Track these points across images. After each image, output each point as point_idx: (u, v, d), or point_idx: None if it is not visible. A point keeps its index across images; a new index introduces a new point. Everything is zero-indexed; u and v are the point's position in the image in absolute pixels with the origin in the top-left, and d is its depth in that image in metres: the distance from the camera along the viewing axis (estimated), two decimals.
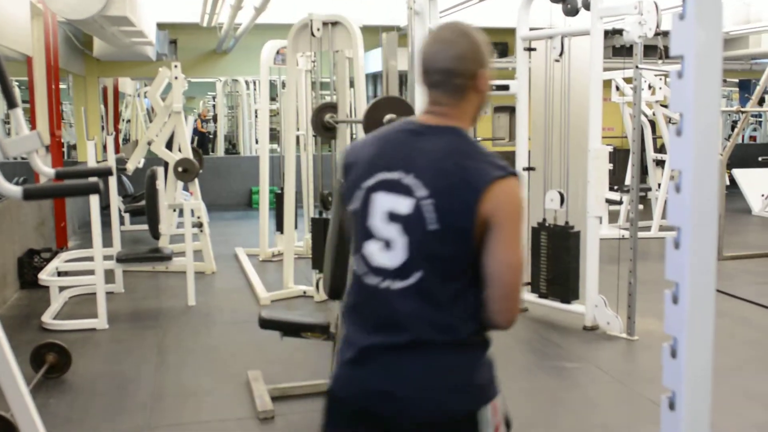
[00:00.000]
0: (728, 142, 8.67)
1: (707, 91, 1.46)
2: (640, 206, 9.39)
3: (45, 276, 6.15)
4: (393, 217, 1.78)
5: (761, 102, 16.26)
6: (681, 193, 1.47)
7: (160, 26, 10.92)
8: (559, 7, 5.66)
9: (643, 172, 10.16)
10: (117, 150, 12.49)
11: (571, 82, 5.61)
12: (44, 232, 8.04)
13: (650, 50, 9.70)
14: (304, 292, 6.73)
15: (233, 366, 4.95)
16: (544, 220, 5.90)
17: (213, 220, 10.61)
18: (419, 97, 4.84)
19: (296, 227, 8.03)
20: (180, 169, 7.60)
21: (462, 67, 1.78)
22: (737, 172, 11.94)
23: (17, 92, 12.16)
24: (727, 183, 10.06)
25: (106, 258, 6.15)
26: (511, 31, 6.00)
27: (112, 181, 6.62)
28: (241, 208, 12.86)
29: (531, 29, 5.91)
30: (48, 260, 6.87)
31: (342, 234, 4.24)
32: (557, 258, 5.82)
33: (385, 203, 1.79)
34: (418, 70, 1.85)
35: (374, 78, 12.53)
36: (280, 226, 8.18)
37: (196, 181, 7.91)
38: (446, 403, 1.78)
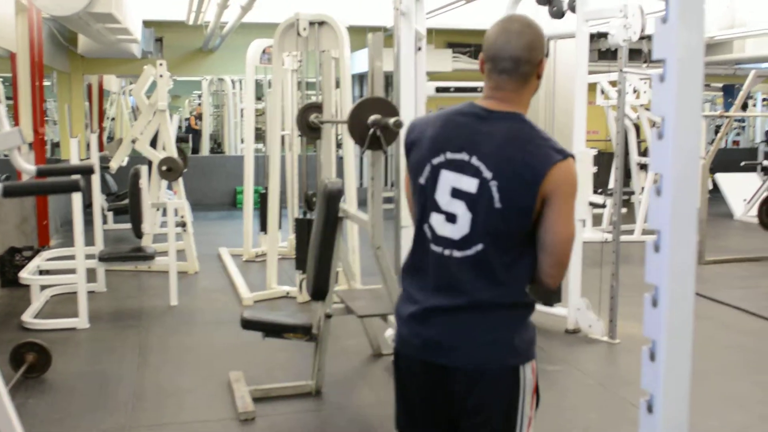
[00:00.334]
0: (711, 146, 8.72)
1: (689, 95, 1.46)
2: (624, 210, 9.44)
3: (26, 274, 6.10)
4: (457, 193, 1.96)
5: (744, 107, 16.39)
6: (662, 196, 1.47)
7: (146, 24, 10.86)
8: (545, 9, 5.66)
9: (627, 175, 10.21)
10: (101, 148, 12.41)
11: (556, 85, 5.63)
12: (26, 230, 7.98)
13: (635, 54, 9.74)
14: (288, 293, 6.71)
15: (215, 366, 4.93)
16: None
17: (197, 220, 10.57)
18: (405, 98, 4.84)
19: (280, 227, 8.01)
20: (164, 167, 7.56)
21: (530, 55, 1.96)
22: (720, 177, 12.01)
23: (0, 89, 12.08)
24: (710, 187, 10.12)
25: (88, 257, 6.11)
26: None
27: (95, 179, 6.57)
28: (226, 208, 12.82)
29: None
30: (29, 258, 6.81)
31: (326, 235, 4.24)
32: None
33: (451, 181, 1.97)
34: (485, 58, 2.01)
35: (361, 78, 12.52)
36: (264, 227, 8.15)
37: (180, 180, 7.87)
38: (493, 356, 2.01)
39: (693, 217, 1.46)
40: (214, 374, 4.78)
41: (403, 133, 2.62)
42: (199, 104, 19.13)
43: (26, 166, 2.79)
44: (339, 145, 8.50)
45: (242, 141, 12.92)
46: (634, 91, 9.43)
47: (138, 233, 6.60)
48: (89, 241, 6.39)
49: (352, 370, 4.94)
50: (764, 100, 17.58)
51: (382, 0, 4.81)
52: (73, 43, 11.00)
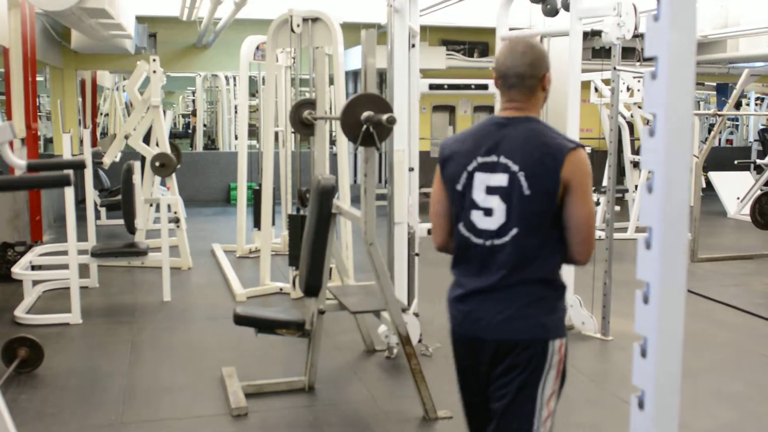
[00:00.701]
0: (705, 145, 8.74)
1: (680, 93, 1.46)
2: (617, 207, 9.47)
3: (18, 270, 6.09)
4: (491, 190, 2.30)
5: (738, 106, 16.43)
6: (653, 193, 1.48)
7: (140, 19, 10.83)
8: (538, 7, 5.67)
9: (621, 173, 10.23)
10: (94, 143, 12.39)
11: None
12: (19, 225, 7.96)
13: (629, 52, 9.75)
14: (281, 289, 6.71)
15: (207, 362, 4.93)
16: None
17: (191, 216, 10.56)
18: (398, 95, 4.84)
19: (274, 224, 8.01)
20: (157, 163, 7.55)
21: (533, 71, 2.32)
22: (713, 175, 12.04)
23: None
24: (704, 186, 10.15)
25: (81, 252, 6.10)
26: (492, 31, 6.00)
27: (88, 174, 6.56)
28: (220, 204, 12.81)
29: (511, 29, 5.92)
30: (22, 254, 6.80)
31: (319, 231, 4.24)
32: None
33: (484, 180, 2.31)
34: (497, 76, 2.38)
35: (355, 75, 12.52)
36: (257, 223, 8.15)
37: (174, 176, 7.86)
38: (523, 330, 2.29)
39: (684, 215, 1.47)
40: (206, 370, 4.78)
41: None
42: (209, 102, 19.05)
43: (16, 160, 2.78)
44: (333, 142, 8.50)
45: (236, 137, 12.91)
46: (628, 89, 9.45)
47: (131, 229, 6.59)
48: (82, 236, 6.37)
49: (345, 366, 4.94)
50: (758, 99, 17.61)
51: None
52: (66, 38, 10.96)
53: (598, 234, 7.44)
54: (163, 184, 9.18)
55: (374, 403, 4.33)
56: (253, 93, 13.32)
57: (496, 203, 2.29)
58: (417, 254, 5.59)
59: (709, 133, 10.26)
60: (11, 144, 2.74)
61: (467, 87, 6.03)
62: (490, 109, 9.92)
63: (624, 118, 9.63)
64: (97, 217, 9.49)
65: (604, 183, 9.11)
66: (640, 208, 1.48)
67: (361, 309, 4.38)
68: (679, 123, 1.44)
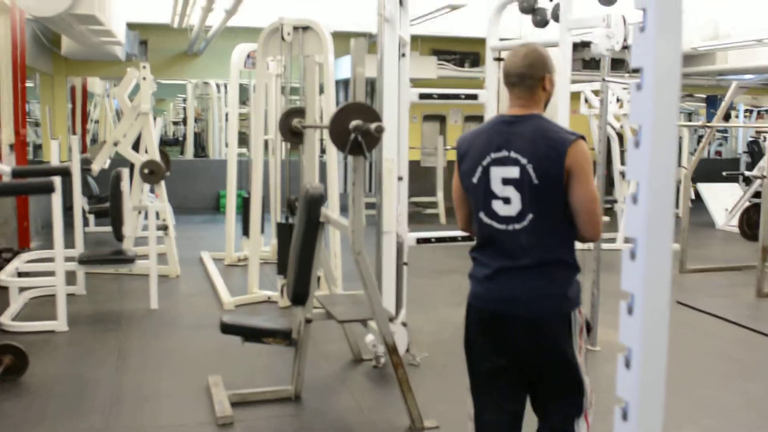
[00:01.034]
0: (694, 156, 8.77)
1: (666, 104, 1.46)
2: (606, 218, 9.48)
3: (5, 276, 6.05)
4: (506, 181, 2.57)
5: (727, 118, 16.52)
6: (638, 204, 1.47)
7: (131, 26, 10.80)
8: (529, 18, 5.69)
9: (610, 184, 10.26)
10: (84, 150, 12.35)
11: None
12: (6, 231, 7.91)
13: (618, 63, 9.80)
14: (269, 298, 6.68)
15: (194, 371, 4.90)
16: None
17: (180, 224, 10.53)
18: (387, 104, 4.84)
19: (263, 232, 8.00)
20: (146, 171, 7.52)
21: (531, 72, 2.59)
22: (702, 187, 12.09)
23: None
24: (692, 197, 10.18)
25: (68, 259, 6.06)
26: (483, 42, 6.02)
27: (76, 181, 6.52)
28: (209, 212, 12.78)
29: (501, 39, 5.94)
30: (9, 260, 6.75)
31: (306, 240, 4.23)
32: None
33: (499, 173, 2.58)
34: (503, 76, 2.66)
35: (345, 84, 12.52)
36: (246, 231, 8.12)
37: (163, 183, 7.83)
38: (550, 307, 2.59)
39: (669, 225, 1.47)
40: (192, 378, 4.75)
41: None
42: (197, 107, 19.01)
43: (1, 166, 2.76)
44: (323, 151, 8.49)
45: (226, 145, 12.88)
46: (617, 100, 9.48)
47: (119, 236, 6.56)
48: (70, 243, 6.34)
49: (332, 375, 4.92)
50: (746, 111, 17.71)
51: (367, 6, 4.81)
52: (57, 44, 10.92)
53: (586, 245, 7.46)
54: (152, 191, 9.15)
55: (361, 413, 4.32)
56: (243, 101, 13.30)
57: (512, 193, 2.57)
58: (406, 263, 5.57)
59: (699, 144, 10.30)
60: None
61: (457, 97, 6.03)
62: (480, 119, 9.89)
63: (613, 129, 9.66)
64: (86, 224, 9.45)
65: None
66: (626, 220, 1.48)
67: (348, 318, 4.37)
68: (664, 134, 1.44)
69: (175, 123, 23.59)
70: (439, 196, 12.05)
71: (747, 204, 9.75)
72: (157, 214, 7.12)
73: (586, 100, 9.70)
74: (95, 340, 5.59)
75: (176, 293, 7.10)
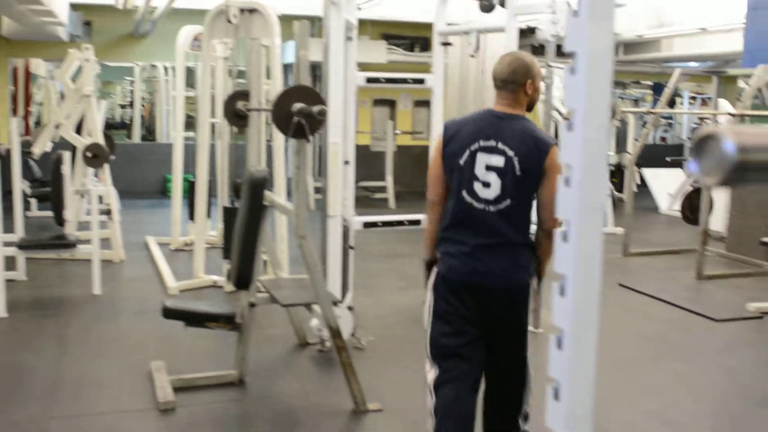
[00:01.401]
0: (638, 142, 8.91)
1: (598, 88, 1.47)
2: None
3: None
4: (490, 168, 2.93)
5: (672, 104, 16.81)
6: (570, 187, 1.48)
7: (74, 6, 10.54)
8: (475, 3, 5.70)
9: None
10: (27, 132, 12.06)
11: (485, 77, 5.66)
12: None
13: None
14: (215, 282, 6.62)
15: (136, 357, 4.83)
16: None
17: (126, 208, 10.36)
18: (333, 88, 4.82)
19: (210, 216, 7.90)
20: (89, 154, 7.37)
21: (513, 77, 2.99)
22: (647, 172, 12.30)
23: None
24: (638, 182, 10.35)
25: (8, 244, 5.92)
26: (432, 26, 6.02)
27: (16, 164, 6.37)
28: (156, 196, 12.58)
29: (448, 24, 5.95)
30: None
31: (250, 224, 4.19)
32: None
33: (485, 159, 2.94)
34: (492, 78, 3.05)
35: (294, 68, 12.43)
36: (192, 215, 8.03)
37: (107, 167, 7.69)
38: (515, 276, 2.99)
39: (600, 208, 1.48)
40: (135, 364, 4.69)
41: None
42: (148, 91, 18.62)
43: None
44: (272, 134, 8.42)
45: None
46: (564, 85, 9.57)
47: (60, 220, 6.43)
48: (9, 227, 6.19)
49: (276, 359, 4.91)
50: (691, 97, 18.05)
51: None
52: None
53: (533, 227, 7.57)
54: (96, 175, 8.97)
55: (305, 397, 4.31)
56: (191, 84, 13.11)
57: (493, 178, 2.92)
58: (352, 247, 5.57)
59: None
60: None
61: (404, 81, 6.02)
62: (429, 104, 9.92)
63: (560, 114, 9.75)
64: (27, 208, 9.24)
65: None
66: (558, 202, 1.49)
67: (291, 302, 4.35)
68: (596, 118, 1.45)
69: (123, 106, 23.17)
70: (389, 181, 12.05)
71: (689, 189, 9.94)
72: (101, 198, 6.99)
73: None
74: (35, 326, 5.47)
75: (120, 278, 6.99)
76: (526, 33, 6.32)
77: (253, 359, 4.52)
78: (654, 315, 6.18)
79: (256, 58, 5.50)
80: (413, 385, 4.57)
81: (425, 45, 12.72)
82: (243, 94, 5.88)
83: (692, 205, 8.95)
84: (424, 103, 12.98)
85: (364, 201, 11.72)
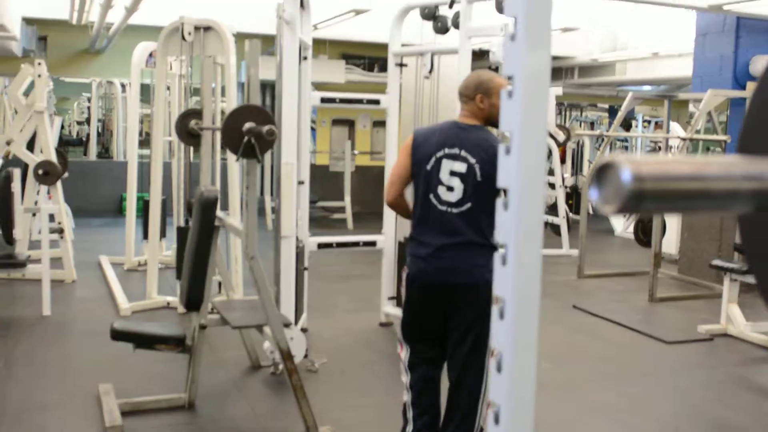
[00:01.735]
0: (592, 164, 9.02)
1: (535, 112, 1.48)
2: None
3: None
4: (453, 173, 3.24)
5: (629, 127, 17.09)
6: (508, 210, 1.49)
7: (28, 21, 10.44)
8: (430, 24, 5.75)
9: None
10: None
11: (440, 98, 5.70)
12: None
13: None
14: (168, 303, 6.53)
15: (85, 379, 4.74)
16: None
17: (80, 227, 10.20)
18: (287, 107, 4.80)
19: (164, 236, 7.82)
20: (40, 171, 7.25)
21: (465, 91, 3.36)
22: None
23: None
24: (593, 204, 10.44)
25: None
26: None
27: None
28: (111, 215, 12.42)
29: (403, 45, 5.98)
30: None
31: (201, 244, 4.15)
32: None
33: (449, 165, 3.25)
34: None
35: None
36: (147, 234, 7.92)
37: (59, 185, 7.56)
38: (478, 274, 3.18)
39: (538, 231, 1.48)
40: (83, 387, 4.59)
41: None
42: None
43: None
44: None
45: None
46: None
47: (9, 239, 6.30)
48: None
49: (228, 382, 4.84)
50: (645, 121, 18.36)
51: (272, 8, 4.76)
52: None
53: None
54: (49, 193, 8.82)
55: (255, 420, 4.26)
56: (147, 101, 13.00)
57: (456, 183, 3.23)
58: (306, 268, 5.55)
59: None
60: None
61: (360, 101, 6.04)
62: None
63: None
64: None
65: None
66: (497, 226, 1.49)
67: (242, 324, 4.30)
68: (533, 141, 1.45)
69: (80, 123, 22.88)
70: (347, 201, 12.04)
71: None
72: (52, 216, 6.87)
73: None
74: None
75: (71, 299, 6.86)
76: (480, 55, 6.37)
77: (204, 382, 4.45)
78: (606, 337, 6.23)
79: (207, 75, 5.46)
80: (366, 407, 4.56)
81: (384, 65, 12.75)
82: (196, 113, 5.84)
83: (645, 228, 9.08)
84: (383, 124, 13.02)
85: (323, 221, 11.70)
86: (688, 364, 5.69)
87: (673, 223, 8.95)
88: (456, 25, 5.44)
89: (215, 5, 9.13)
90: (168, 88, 7.76)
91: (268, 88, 11.73)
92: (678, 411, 4.80)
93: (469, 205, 3.22)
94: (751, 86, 7.93)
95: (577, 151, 13.23)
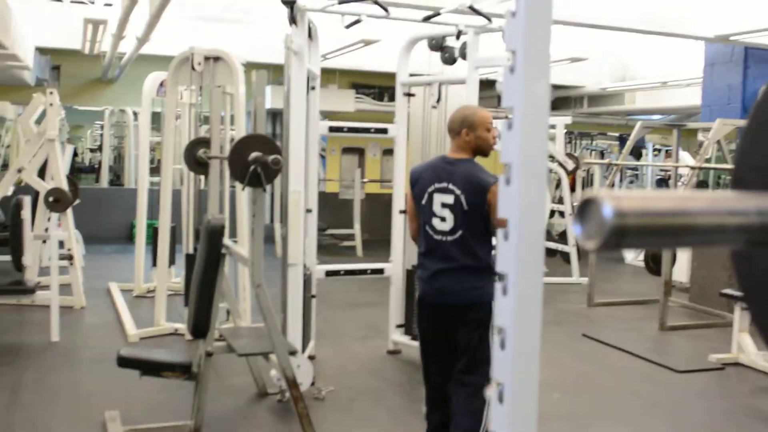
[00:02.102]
0: None
1: (534, 142, 1.49)
2: None
3: None
4: (444, 205, 3.52)
5: (639, 156, 17.07)
6: (509, 241, 1.49)
7: (42, 51, 10.56)
8: (437, 55, 5.79)
9: None
10: None
11: (447, 128, 5.72)
12: None
13: None
14: (176, 330, 6.54)
15: (92, 406, 4.73)
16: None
17: (91, 254, 10.25)
18: (294, 137, 4.84)
19: (174, 263, 7.84)
20: (51, 199, 7.30)
21: (452, 126, 3.63)
22: None
23: None
24: None
25: None
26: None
27: None
28: (121, 242, 12.48)
29: (411, 75, 6.02)
30: None
31: (207, 272, 4.16)
32: None
33: (439, 199, 3.54)
34: None
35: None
36: (156, 261, 7.94)
37: (70, 212, 7.61)
38: (474, 295, 3.49)
39: (539, 261, 1.49)
40: (89, 414, 4.59)
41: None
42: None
43: None
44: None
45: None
46: None
47: (18, 266, 6.34)
48: None
49: (235, 409, 4.83)
50: (655, 149, 18.36)
51: (281, 39, 4.82)
52: None
53: None
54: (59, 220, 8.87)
55: None
56: (158, 129, 13.11)
57: (447, 214, 3.51)
58: (314, 296, 5.55)
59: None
60: None
61: (367, 130, 6.08)
62: None
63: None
64: None
65: None
66: (497, 256, 1.50)
67: (248, 351, 4.31)
68: (533, 172, 1.46)
69: (92, 150, 23.03)
70: (357, 228, 12.04)
71: None
72: (62, 243, 6.91)
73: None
74: None
75: (80, 325, 6.88)
76: (487, 85, 6.41)
77: (210, 409, 4.44)
78: (616, 366, 6.19)
79: (216, 104, 5.51)
80: None
81: (394, 95, 12.86)
82: (204, 141, 5.89)
83: (655, 256, 9.04)
84: (393, 152, 13.08)
85: (332, 249, 11.71)
86: (699, 394, 5.64)
87: (684, 251, 8.90)
88: (463, 56, 5.48)
89: (225, 36, 9.25)
90: (178, 117, 7.83)
91: (279, 117, 11.82)
92: None
93: (460, 232, 3.49)
94: None
95: (587, 179, 13.23)
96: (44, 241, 7.93)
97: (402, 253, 5.98)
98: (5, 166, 15.11)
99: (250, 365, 5.02)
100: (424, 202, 3.60)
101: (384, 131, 5.86)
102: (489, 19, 5.41)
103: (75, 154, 15.62)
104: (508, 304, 1.50)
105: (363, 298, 8.07)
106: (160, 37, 8.35)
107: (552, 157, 9.48)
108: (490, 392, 3.25)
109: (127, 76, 11.52)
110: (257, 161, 3.51)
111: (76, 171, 16.64)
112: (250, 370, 5.05)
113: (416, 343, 6.05)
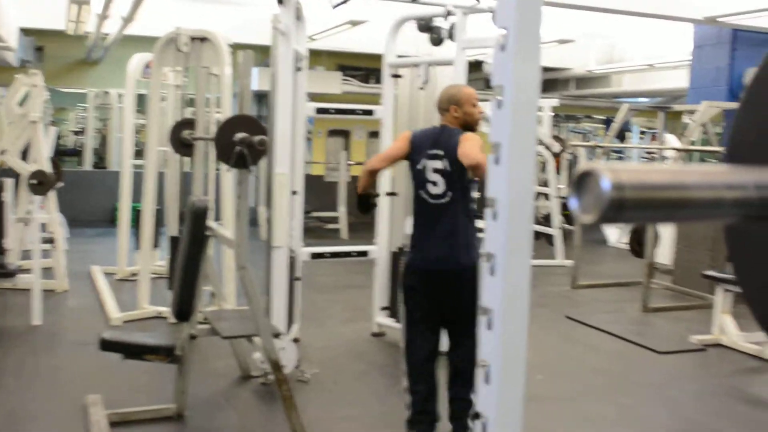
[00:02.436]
0: None
1: (524, 122, 1.47)
2: None
3: None
4: (436, 170, 3.70)
5: (623, 138, 17.10)
6: (497, 220, 1.47)
7: (26, 31, 10.42)
8: (426, 36, 5.74)
9: None
10: None
11: (434, 109, 5.69)
12: None
13: None
14: (160, 313, 6.49)
15: (73, 390, 4.69)
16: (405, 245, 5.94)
17: (74, 236, 10.15)
18: (281, 118, 4.79)
19: (157, 246, 7.78)
20: (34, 181, 7.21)
21: (440, 104, 3.86)
22: None
23: None
24: None
25: None
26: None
27: None
28: (105, 225, 12.37)
29: (399, 56, 5.98)
30: None
31: (191, 254, 4.12)
32: None
33: (432, 164, 3.71)
34: None
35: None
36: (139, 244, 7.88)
37: (52, 194, 7.53)
38: (465, 259, 3.67)
39: (527, 241, 1.48)
40: (71, 398, 4.55)
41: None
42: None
43: None
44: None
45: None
46: None
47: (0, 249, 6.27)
48: None
49: (218, 392, 4.81)
50: (641, 132, 18.40)
51: (268, 19, 4.76)
52: None
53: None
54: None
55: (244, 431, 4.23)
56: (143, 111, 13.00)
57: (438, 178, 3.68)
58: (299, 278, 5.53)
59: None
60: None
61: (354, 112, 6.04)
62: None
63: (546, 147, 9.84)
64: None
65: None
66: (485, 235, 1.48)
67: (232, 334, 4.28)
68: (522, 151, 1.45)
69: (76, 133, 22.84)
70: (341, 211, 12.00)
71: None
72: (44, 226, 6.84)
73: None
74: None
75: (62, 308, 6.82)
76: (475, 66, 6.37)
77: (193, 393, 4.42)
78: (599, 347, 6.21)
79: (201, 86, 5.45)
80: (357, 418, 4.53)
81: (380, 77, 12.79)
82: (189, 123, 5.83)
83: (639, 238, 9.06)
84: (379, 134, 13.03)
85: (317, 231, 11.66)
86: (680, 375, 5.67)
87: (668, 233, 8.94)
88: (451, 37, 5.44)
89: (211, 16, 9.15)
90: (163, 99, 7.74)
91: (264, 99, 11.74)
92: (671, 422, 4.78)
93: (450, 194, 3.67)
94: None
95: (573, 162, 13.25)
96: (26, 224, 7.85)
97: (387, 235, 5.95)
98: None
99: (234, 348, 4.99)
100: (420, 166, 3.74)
101: (370, 113, 5.82)
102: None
103: (58, 137, 15.48)
104: (496, 284, 1.48)
105: (348, 281, 8.05)
106: (145, 17, 8.24)
107: (538, 140, 9.48)
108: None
109: (112, 58, 11.40)
110: (243, 142, 3.47)
111: (59, 153, 16.49)
112: (234, 353, 5.02)
113: (400, 326, 6.07)
